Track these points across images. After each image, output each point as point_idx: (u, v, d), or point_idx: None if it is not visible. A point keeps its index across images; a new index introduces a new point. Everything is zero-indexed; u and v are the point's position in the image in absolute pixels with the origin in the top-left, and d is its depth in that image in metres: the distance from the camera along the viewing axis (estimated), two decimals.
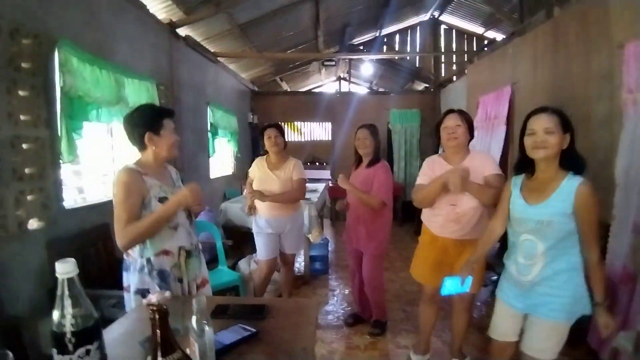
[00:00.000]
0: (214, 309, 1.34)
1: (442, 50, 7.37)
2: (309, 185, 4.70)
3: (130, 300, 1.61)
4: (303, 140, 7.74)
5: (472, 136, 2.12)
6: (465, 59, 6.66)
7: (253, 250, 3.01)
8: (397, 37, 7.90)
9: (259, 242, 2.88)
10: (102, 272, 2.57)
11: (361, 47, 7.99)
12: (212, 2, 3.99)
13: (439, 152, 2.32)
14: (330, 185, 6.22)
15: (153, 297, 1.46)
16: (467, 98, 5.38)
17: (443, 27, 7.38)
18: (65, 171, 2.52)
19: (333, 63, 7.26)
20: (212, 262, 3.25)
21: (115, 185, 1.54)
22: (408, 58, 8.13)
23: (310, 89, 9.96)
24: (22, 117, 2.10)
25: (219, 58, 5.27)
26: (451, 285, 1.76)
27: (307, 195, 4.16)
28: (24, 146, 2.12)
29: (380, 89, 9.63)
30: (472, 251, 1.96)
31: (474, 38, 7.18)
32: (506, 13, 5.12)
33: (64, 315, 0.77)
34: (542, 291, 1.55)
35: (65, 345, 0.76)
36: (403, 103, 7.34)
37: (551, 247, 1.51)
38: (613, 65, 2.51)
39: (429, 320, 2.40)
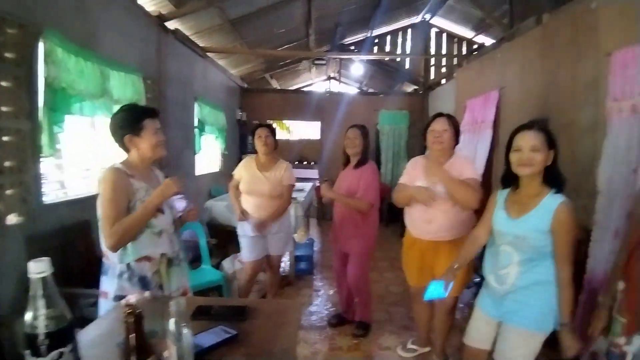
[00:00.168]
0: (194, 310, 1.31)
1: (432, 52, 7.42)
2: (296, 185, 4.68)
3: (107, 306, 1.55)
4: (292, 139, 7.71)
5: (457, 141, 2.20)
6: (455, 63, 6.72)
7: (238, 249, 2.97)
8: (388, 38, 7.92)
9: (244, 244, 2.84)
10: (82, 270, 2.50)
11: (352, 47, 7.99)
12: None
13: (425, 154, 2.35)
14: (318, 184, 6.21)
15: (132, 298, 1.44)
16: (455, 101, 5.42)
17: (434, 30, 7.42)
18: (47, 165, 2.46)
19: (324, 62, 7.23)
20: (195, 261, 3.21)
21: (101, 183, 1.51)
22: (398, 60, 8.16)
23: (300, 88, 9.92)
24: (3, 109, 2.03)
25: (208, 53, 5.20)
26: (434, 290, 1.78)
27: (293, 195, 4.14)
28: (5, 138, 2.05)
29: (370, 90, 9.65)
30: (449, 253, 2.07)
31: (464, 42, 7.24)
32: (496, 18, 5.17)
33: (37, 317, 0.74)
34: (515, 299, 1.57)
35: (38, 348, 0.74)
36: (392, 104, 7.37)
37: (526, 260, 1.54)
38: (599, 73, 2.55)
39: (423, 318, 2.51)
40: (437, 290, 1.77)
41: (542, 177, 1.54)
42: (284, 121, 7.71)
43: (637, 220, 1.48)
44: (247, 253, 2.84)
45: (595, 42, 2.63)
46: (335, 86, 9.03)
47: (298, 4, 5.28)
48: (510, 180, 1.64)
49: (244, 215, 2.75)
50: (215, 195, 4.97)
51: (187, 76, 4.64)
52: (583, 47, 2.79)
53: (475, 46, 6.76)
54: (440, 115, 2.22)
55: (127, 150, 1.62)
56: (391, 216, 6.44)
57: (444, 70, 7.52)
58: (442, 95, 6.47)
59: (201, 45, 4.93)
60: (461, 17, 6.63)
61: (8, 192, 2.07)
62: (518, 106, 3.62)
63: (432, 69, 7.67)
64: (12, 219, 2.09)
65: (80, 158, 2.91)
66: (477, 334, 1.76)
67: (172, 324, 0.88)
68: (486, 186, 1.90)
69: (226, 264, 3.38)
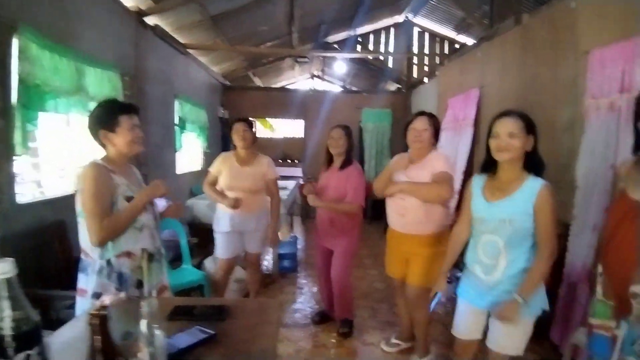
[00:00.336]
0: (172, 310, 1.29)
1: (415, 52, 7.48)
2: (279, 183, 4.65)
3: (85, 305, 1.51)
4: (275, 137, 7.67)
5: (437, 140, 2.26)
6: (437, 62, 6.79)
7: None
8: (372, 37, 7.94)
9: (220, 240, 2.79)
10: (58, 271, 2.43)
11: (335, 46, 7.98)
12: None
13: (408, 151, 2.39)
14: (301, 183, 6.19)
15: (106, 299, 1.40)
16: (437, 100, 5.47)
17: (416, 29, 7.48)
18: (22, 164, 2.39)
19: (307, 60, 7.20)
20: (176, 261, 3.15)
21: (83, 180, 1.49)
22: (382, 58, 8.19)
23: (283, 86, 9.87)
24: None
25: (188, 50, 5.11)
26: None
27: None
28: None
29: (354, 88, 9.67)
30: (420, 247, 2.19)
31: (446, 41, 7.32)
32: (477, 18, 5.25)
33: (2, 318, 0.72)
34: (505, 289, 1.58)
35: (5, 350, 0.71)
36: (375, 103, 7.39)
37: (512, 246, 1.55)
38: (578, 71, 2.59)
39: (405, 311, 2.53)
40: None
41: (522, 162, 1.56)
42: (267, 119, 7.65)
43: (612, 210, 1.50)
44: (221, 250, 2.79)
45: (574, 41, 2.67)
46: (319, 84, 9.02)
47: (281, 2, 5.24)
48: (491, 166, 1.65)
49: (238, 202, 2.63)
50: (197, 193, 4.88)
51: (167, 73, 4.55)
52: (562, 46, 2.84)
53: (457, 46, 6.84)
54: (422, 114, 2.29)
55: (103, 145, 1.61)
56: (375, 213, 6.47)
57: (426, 69, 7.59)
58: (425, 94, 6.52)
59: (181, 41, 4.84)
60: (443, 16, 6.70)
61: None
62: (498, 104, 3.67)
63: (415, 68, 7.73)
64: None
65: (55, 157, 2.82)
66: (466, 326, 1.77)
67: (143, 325, 0.85)
68: (467, 183, 1.97)
69: (208, 263, 3.33)
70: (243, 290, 3.35)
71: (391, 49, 7.88)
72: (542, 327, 1.94)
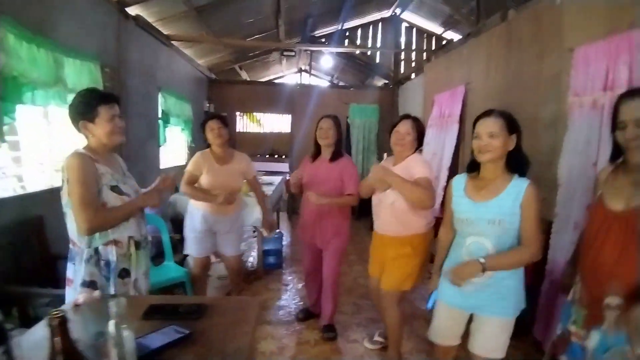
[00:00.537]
0: (147, 309, 1.24)
1: (402, 47, 7.47)
2: (264, 178, 4.61)
3: (73, 295, 1.52)
4: (262, 131, 7.59)
5: (420, 144, 2.27)
6: (424, 58, 6.79)
7: None
8: (359, 31, 7.89)
9: (192, 239, 2.72)
10: (35, 268, 2.37)
11: (323, 40, 7.92)
12: None
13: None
14: (287, 178, 6.14)
15: (80, 298, 1.36)
16: (423, 96, 5.48)
17: (404, 24, 7.47)
18: (3, 158, 2.30)
19: (293, 54, 7.11)
20: (158, 257, 3.09)
21: (68, 169, 1.49)
22: (369, 53, 8.16)
23: (270, 80, 9.77)
24: None
25: (173, 42, 4.99)
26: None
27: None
28: None
29: (341, 83, 9.63)
30: (394, 249, 2.20)
31: (433, 37, 7.32)
32: (464, 14, 5.24)
33: None
34: (491, 291, 1.56)
35: None
36: (363, 98, 7.38)
37: (500, 247, 1.53)
38: (562, 68, 2.60)
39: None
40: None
41: (505, 161, 1.55)
42: (254, 114, 7.57)
43: (590, 217, 1.50)
44: (194, 248, 2.74)
45: (559, 38, 2.68)
46: (306, 79, 8.95)
47: None
48: (477, 166, 1.63)
49: (232, 197, 2.59)
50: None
51: (150, 65, 4.44)
52: (546, 43, 2.85)
53: (444, 42, 6.85)
54: (407, 117, 2.28)
55: (85, 136, 1.62)
56: (362, 209, 6.47)
57: (413, 64, 7.59)
58: (412, 90, 6.53)
59: (165, 33, 4.73)
60: (430, 12, 6.69)
61: None
62: (483, 101, 3.69)
63: (402, 64, 7.73)
64: None
65: (33, 150, 2.73)
66: (446, 331, 1.74)
67: (111, 325, 0.81)
68: (449, 183, 1.98)
69: (190, 260, 3.27)
70: (226, 287, 3.30)
71: (379, 44, 7.86)
72: (524, 324, 1.95)
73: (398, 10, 7.20)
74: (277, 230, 4.41)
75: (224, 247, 2.79)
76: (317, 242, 2.69)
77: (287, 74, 9.96)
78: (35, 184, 2.68)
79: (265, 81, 9.20)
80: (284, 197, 5.78)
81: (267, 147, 7.33)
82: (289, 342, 2.70)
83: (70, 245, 1.59)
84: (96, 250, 1.56)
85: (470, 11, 5.09)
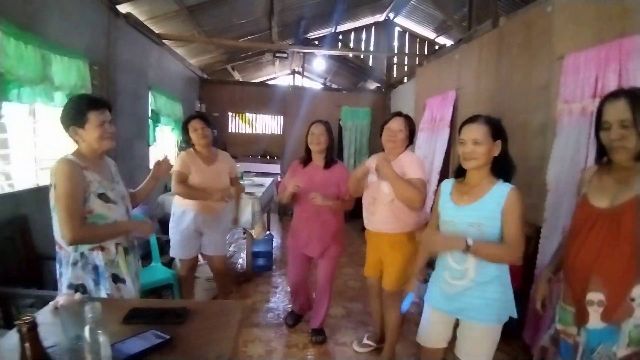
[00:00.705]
0: (127, 313, 1.21)
1: (395, 51, 7.50)
2: (256, 180, 4.59)
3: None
4: (254, 132, 7.56)
5: (411, 142, 2.27)
6: (417, 62, 6.82)
7: None
8: (352, 35, 7.92)
9: (177, 239, 2.68)
10: (20, 269, 2.32)
11: (316, 42, 7.92)
12: None
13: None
14: (279, 180, 6.11)
15: (61, 300, 1.33)
16: (415, 100, 5.50)
17: (397, 29, 7.51)
18: None
19: (285, 55, 7.10)
20: (145, 259, 3.04)
21: (56, 175, 1.50)
22: (362, 57, 8.19)
23: (263, 81, 9.74)
24: None
25: (164, 40, 4.95)
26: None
27: (252, 190, 4.04)
28: None
29: (334, 86, 9.64)
30: (391, 246, 2.21)
31: (426, 42, 7.38)
32: (456, 20, 5.29)
33: None
34: (474, 295, 1.56)
35: None
36: (355, 101, 7.39)
37: None
38: (552, 75, 2.62)
39: (377, 311, 2.53)
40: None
41: (491, 166, 1.55)
42: (246, 115, 7.53)
43: (574, 215, 1.51)
44: (180, 251, 2.70)
45: (549, 46, 2.70)
46: (299, 81, 8.94)
47: None
48: (463, 171, 1.64)
49: (228, 192, 2.59)
50: (170, 189, 4.74)
51: (141, 64, 4.39)
52: (537, 50, 2.87)
53: (436, 47, 6.90)
54: (398, 114, 2.28)
55: (76, 141, 1.63)
56: (352, 211, 6.46)
57: (406, 69, 7.63)
58: (404, 94, 6.55)
59: (156, 31, 4.68)
60: (423, 18, 6.74)
61: None
62: (474, 106, 3.71)
63: (395, 68, 7.76)
64: None
65: (21, 148, 2.67)
66: (433, 334, 1.74)
67: (87, 331, 0.78)
68: (439, 187, 2.00)
69: (178, 262, 3.23)
70: (215, 290, 3.26)
71: (372, 47, 7.88)
72: (513, 328, 1.94)
73: (391, 15, 7.24)
74: (267, 232, 4.38)
75: (208, 248, 2.76)
76: (310, 251, 2.62)
77: (280, 76, 9.96)
78: (22, 182, 2.62)
79: (258, 82, 9.17)
80: (275, 199, 5.74)
81: (259, 148, 7.30)
82: (278, 345, 2.67)
83: (57, 248, 1.59)
84: (82, 255, 1.56)
85: (462, 17, 5.13)
